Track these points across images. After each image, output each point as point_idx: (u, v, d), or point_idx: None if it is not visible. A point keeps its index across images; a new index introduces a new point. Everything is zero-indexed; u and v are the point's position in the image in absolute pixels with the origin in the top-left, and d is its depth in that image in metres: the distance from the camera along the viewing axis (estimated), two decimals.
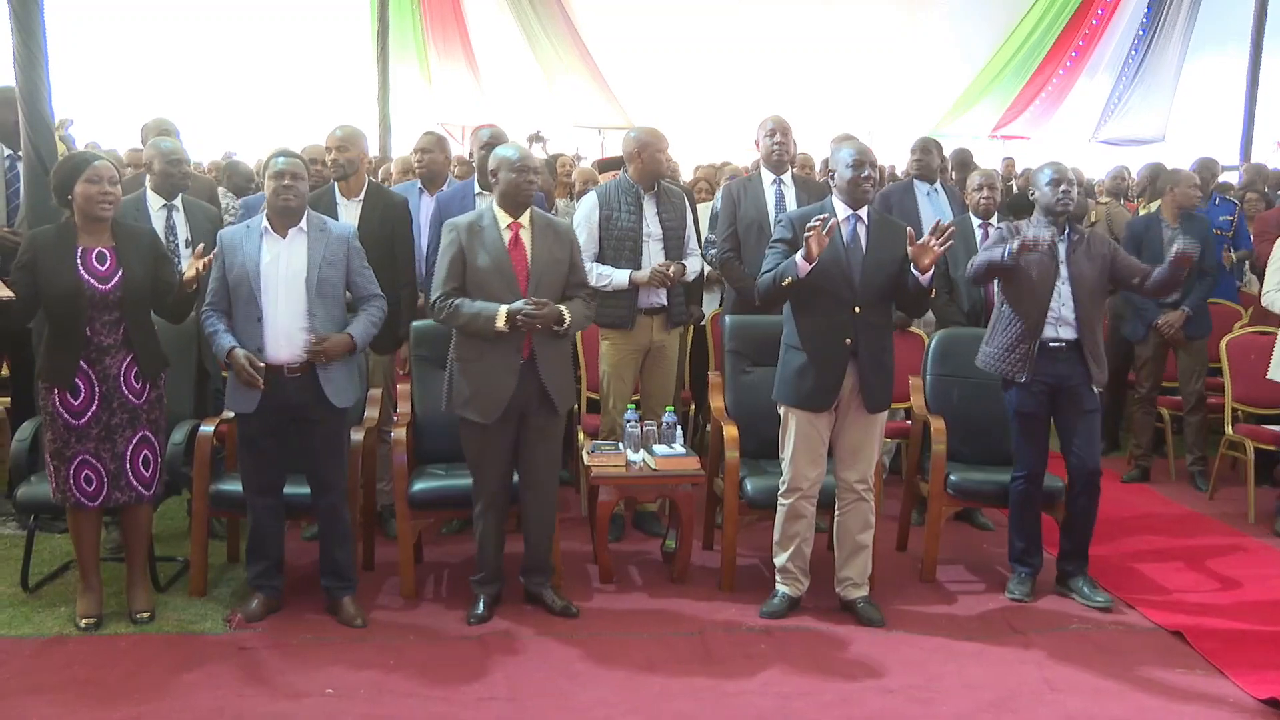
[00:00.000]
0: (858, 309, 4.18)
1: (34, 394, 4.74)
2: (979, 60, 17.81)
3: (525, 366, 4.16)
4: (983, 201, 5.52)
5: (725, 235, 5.39)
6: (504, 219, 4.21)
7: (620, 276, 4.97)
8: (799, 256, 4.06)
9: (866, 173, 4.22)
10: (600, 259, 5.01)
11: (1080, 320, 4.43)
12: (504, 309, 4.05)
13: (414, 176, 6.10)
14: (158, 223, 4.87)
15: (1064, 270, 4.43)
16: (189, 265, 4.09)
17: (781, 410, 4.36)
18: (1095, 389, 4.52)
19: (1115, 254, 4.55)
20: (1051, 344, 4.43)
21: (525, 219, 4.22)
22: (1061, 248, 4.45)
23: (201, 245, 4.23)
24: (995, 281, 5.20)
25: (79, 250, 3.99)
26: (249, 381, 4.04)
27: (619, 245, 5.03)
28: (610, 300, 5.00)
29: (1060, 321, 4.43)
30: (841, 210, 4.24)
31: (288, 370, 4.10)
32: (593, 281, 4.87)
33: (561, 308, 4.15)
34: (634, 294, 5.04)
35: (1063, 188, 4.43)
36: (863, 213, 4.27)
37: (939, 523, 4.79)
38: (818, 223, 4.00)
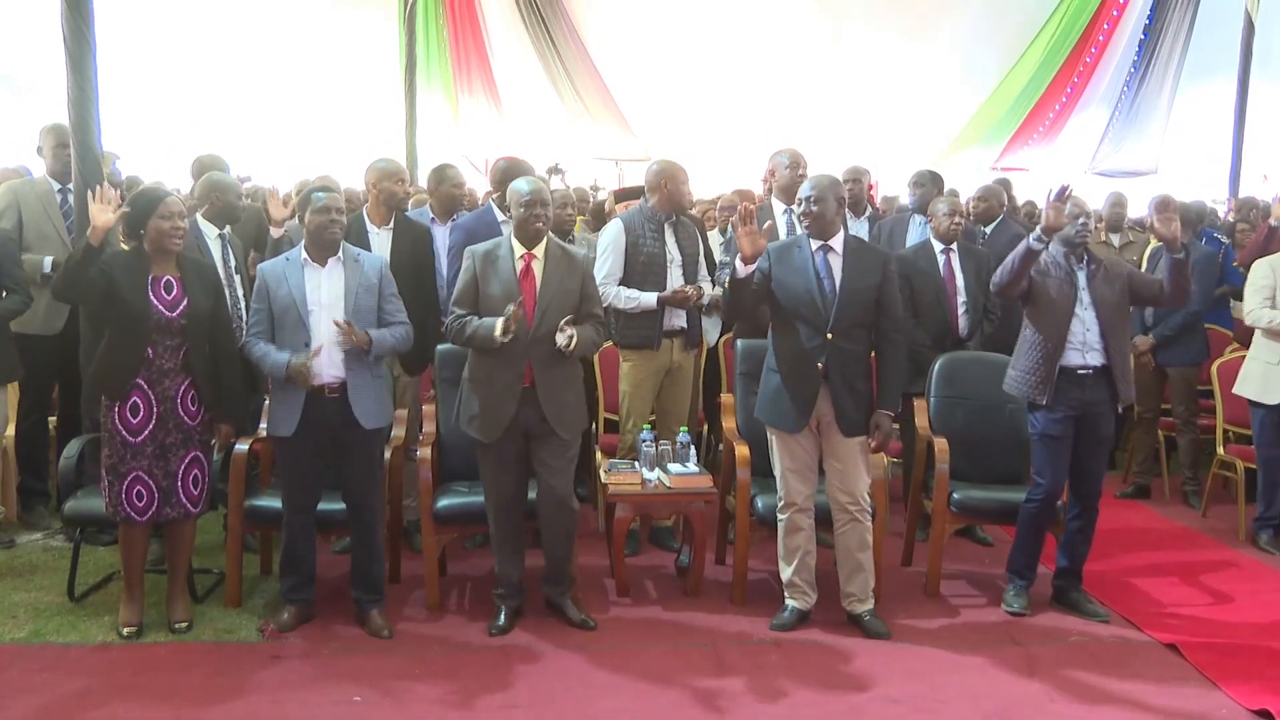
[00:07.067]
0: (830, 335, 4.21)
1: (80, 413, 4.79)
2: (986, 92, 17.80)
3: (526, 392, 4.18)
4: (952, 227, 5.47)
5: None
6: (518, 249, 4.24)
7: (648, 298, 5.00)
8: (736, 259, 4.18)
9: (804, 208, 4.30)
10: (626, 283, 5.04)
11: (1108, 343, 4.39)
12: (500, 321, 4.07)
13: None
14: (215, 249, 4.93)
15: (1086, 297, 4.40)
16: (99, 210, 3.97)
17: (768, 430, 4.38)
18: (1119, 408, 4.52)
19: (1131, 274, 4.56)
20: (1079, 370, 4.39)
21: (539, 250, 4.25)
22: (1081, 275, 4.43)
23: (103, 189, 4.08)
24: (965, 310, 5.23)
25: (150, 277, 4.04)
26: (305, 381, 4.03)
27: (645, 270, 5.05)
28: (636, 322, 5.03)
29: (1087, 348, 4.38)
30: (812, 242, 4.31)
31: (328, 391, 4.13)
32: (620, 304, 4.91)
33: (572, 332, 4.15)
34: (659, 316, 5.06)
35: (1081, 220, 4.42)
36: (834, 243, 4.30)
37: (943, 539, 4.78)
38: (745, 224, 4.14)
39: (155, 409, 4.05)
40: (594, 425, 5.39)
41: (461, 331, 4.18)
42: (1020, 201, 9.26)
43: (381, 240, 4.98)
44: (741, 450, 4.68)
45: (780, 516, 4.37)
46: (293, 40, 15.47)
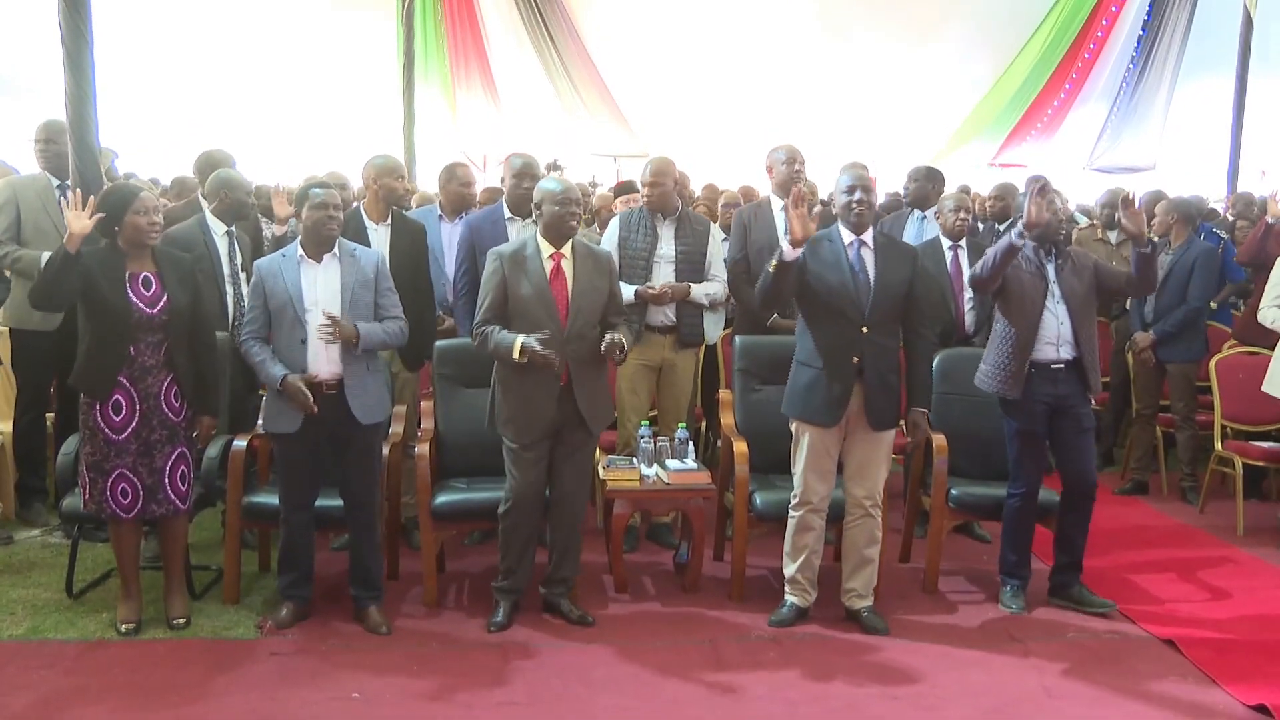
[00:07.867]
0: (865, 329, 4.20)
1: (79, 410, 4.78)
2: (985, 88, 17.80)
3: (564, 391, 4.17)
4: (958, 224, 5.50)
5: (737, 259, 5.39)
6: (546, 249, 4.20)
7: (627, 292, 5.00)
8: (785, 242, 4.10)
9: (858, 196, 4.23)
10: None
11: (1078, 336, 4.41)
12: (519, 341, 4.04)
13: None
14: (222, 246, 4.96)
15: (1056, 290, 4.43)
16: (76, 217, 3.90)
17: (793, 425, 4.36)
18: (1092, 404, 4.52)
19: (1097, 265, 4.57)
20: (1052, 365, 4.41)
21: (567, 249, 4.22)
22: (1050, 269, 4.45)
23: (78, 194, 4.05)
24: (971, 307, 5.23)
25: (127, 274, 4.03)
26: (305, 406, 4.03)
27: (631, 265, 5.09)
28: None
29: (1061, 341, 4.40)
30: (846, 235, 4.26)
31: (325, 387, 4.12)
32: None
33: (619, 336, 4.15)
34: (642, 310, 5.08)
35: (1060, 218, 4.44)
36: (866, 237, 4.28)
37: (941, 535, 4.78)
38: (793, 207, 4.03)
39: (138, 407, 4.04)
40: None
41: (485, 342, 4.16)
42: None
43: (380, 237, 4.98)
44: (740, 446, 4.67)
45: (793, 514, 4.36)
46: (291, 37, 15.46)
